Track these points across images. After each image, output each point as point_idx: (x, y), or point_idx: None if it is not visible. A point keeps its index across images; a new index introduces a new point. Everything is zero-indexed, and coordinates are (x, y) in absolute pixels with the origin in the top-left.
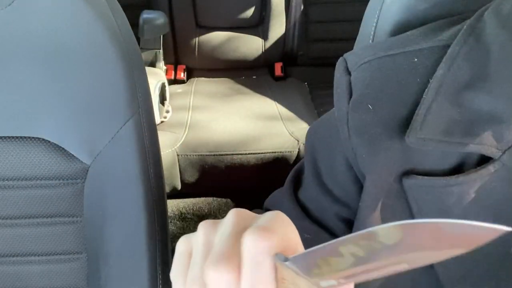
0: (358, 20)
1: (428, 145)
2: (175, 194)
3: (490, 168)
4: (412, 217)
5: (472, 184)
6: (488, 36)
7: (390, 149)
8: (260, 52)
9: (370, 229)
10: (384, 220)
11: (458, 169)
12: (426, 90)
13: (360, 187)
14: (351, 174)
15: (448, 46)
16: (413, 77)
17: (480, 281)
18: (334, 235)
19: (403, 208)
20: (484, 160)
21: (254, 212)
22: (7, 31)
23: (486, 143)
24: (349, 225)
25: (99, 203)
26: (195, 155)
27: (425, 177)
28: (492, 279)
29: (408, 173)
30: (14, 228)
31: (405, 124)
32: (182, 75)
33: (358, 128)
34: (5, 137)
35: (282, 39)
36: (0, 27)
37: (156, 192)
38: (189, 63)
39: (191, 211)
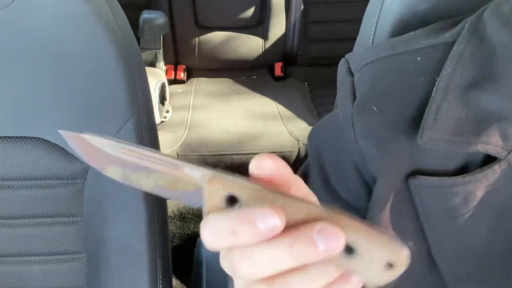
0: (358, 20)
1: (438, 145)
2: None
3: (496, 168)
4: (417, 218)
5: (478, 184)
6: (490, 36)
7: (398, 150)
8: (260, 52)
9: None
10: (393, 222)
11: (463, 169)
12: (435, 89)
13: (369, 190)
14: (359, 178)
15: (451, 43)
16: (417, 76)
17: (485, 279)
18: None
19: (408, 209)
20: (489, 160)
21: None
22: (7, 31)
23: (492, 143)
24: None
25: (99, 203)
26: (195, 155)
27: (431, 177)
28: (497, 277)
29: (414, 173)
30: (14, 228)
31: (412, 124)
32: (182, 75)
33: (364, 131)
34: (5, 137)
35: (282, 39)
36: (0, 27)
37: None
38: (189, 63)
39: (191, 211)
